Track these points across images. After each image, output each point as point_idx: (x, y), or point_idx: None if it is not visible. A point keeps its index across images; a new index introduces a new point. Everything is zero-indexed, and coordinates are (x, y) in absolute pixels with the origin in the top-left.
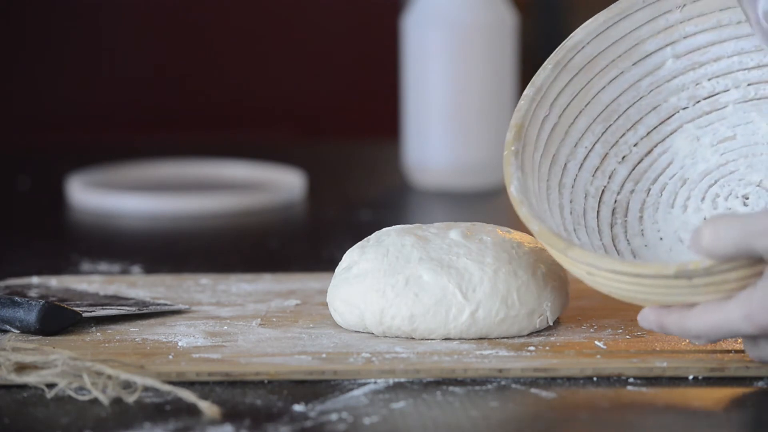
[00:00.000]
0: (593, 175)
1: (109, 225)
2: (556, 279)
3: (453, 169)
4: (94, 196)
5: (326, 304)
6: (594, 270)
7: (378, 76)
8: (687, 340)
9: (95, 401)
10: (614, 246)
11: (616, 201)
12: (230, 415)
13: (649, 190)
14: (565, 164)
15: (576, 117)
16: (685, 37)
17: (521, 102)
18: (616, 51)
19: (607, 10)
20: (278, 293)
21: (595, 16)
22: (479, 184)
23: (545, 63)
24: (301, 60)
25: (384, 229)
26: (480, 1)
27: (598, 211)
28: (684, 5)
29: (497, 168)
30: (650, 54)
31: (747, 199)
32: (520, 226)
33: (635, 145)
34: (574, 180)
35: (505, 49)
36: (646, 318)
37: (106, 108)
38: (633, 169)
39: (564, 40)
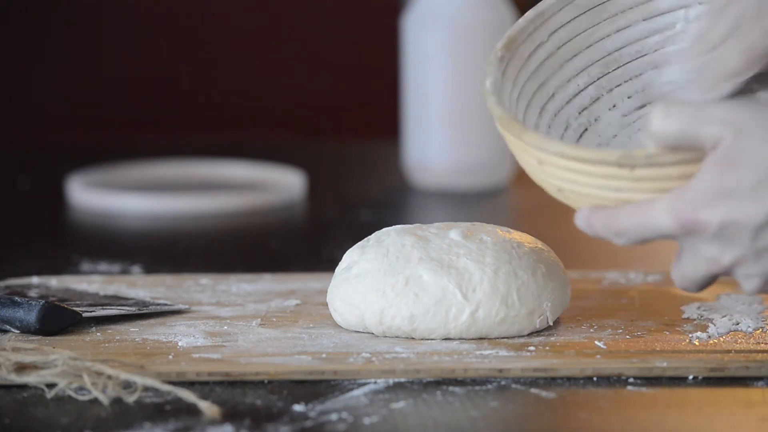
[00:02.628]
0: (579, 113)
1: (109, 225)
2: (556, 279)
3: (453, 169)
4: (94, 196)
5: (326, 304)
6: (544, 156)
7: (378, 76)
8: (688, 340)
9: (95, 401)
10: None
11: (598, 144)
12: (230, 415)
13: (631, 138)
14: (553, 94)
15: (575, 55)
16: (700, 3)
17: (520, 20)
18: (628, 2)
19: None
20: (278, 293)
21: None
22: (479, 184)
23: None
24: (301, 60)
25: (384, 229)
26: (480, 1)
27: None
28: None
29: (497, 168)
30: (662, 13)
31: None
32: (520, 226)
33: (629, 97)
34: (559, 110)
35: None
36: (579, 217)
37: (106, 108)
38: (621, 119)
39: None
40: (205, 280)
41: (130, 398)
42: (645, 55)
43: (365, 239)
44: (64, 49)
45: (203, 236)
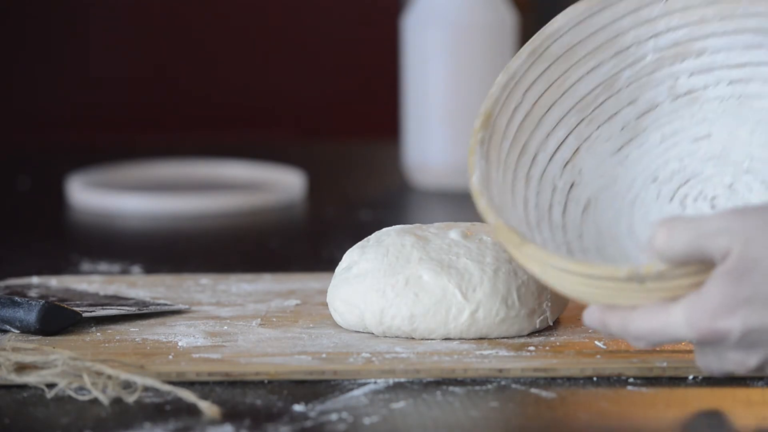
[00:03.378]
0: (563, 168)
1: (109, 225)
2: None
3: (453, 169)
4: (94, 196)
5: (326, 304)
6: (547, 269)
7: (378, 76)
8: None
9: (95, 401)
10: (581, 242)
11: (588, 199)
12: (230, 415)
13: (617, 180)
14: (535, 155)
15: (550, 107)
16: (667, 31)
17: (492, 89)
18: (596, 41)
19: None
20: (278, 293)
21: (576, 4)
22: None
23: (520, 50)
24: (301, 60)
25: (384, 229)
26: (480, 1)
27: (565, 206)
28: None
29: None
30: (631, 46)
31: (715, 199)
32: None
33: (608, 140)
34: (543, 172)
35: (505, 49)
36: (590, 315)
37: (106, 108)
38: (606, 161)
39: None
40: (205, 280)
41: (130, 398)
42: (619, 90)
43: (365, 239)
44: (64, 49)
45: (203, 236)
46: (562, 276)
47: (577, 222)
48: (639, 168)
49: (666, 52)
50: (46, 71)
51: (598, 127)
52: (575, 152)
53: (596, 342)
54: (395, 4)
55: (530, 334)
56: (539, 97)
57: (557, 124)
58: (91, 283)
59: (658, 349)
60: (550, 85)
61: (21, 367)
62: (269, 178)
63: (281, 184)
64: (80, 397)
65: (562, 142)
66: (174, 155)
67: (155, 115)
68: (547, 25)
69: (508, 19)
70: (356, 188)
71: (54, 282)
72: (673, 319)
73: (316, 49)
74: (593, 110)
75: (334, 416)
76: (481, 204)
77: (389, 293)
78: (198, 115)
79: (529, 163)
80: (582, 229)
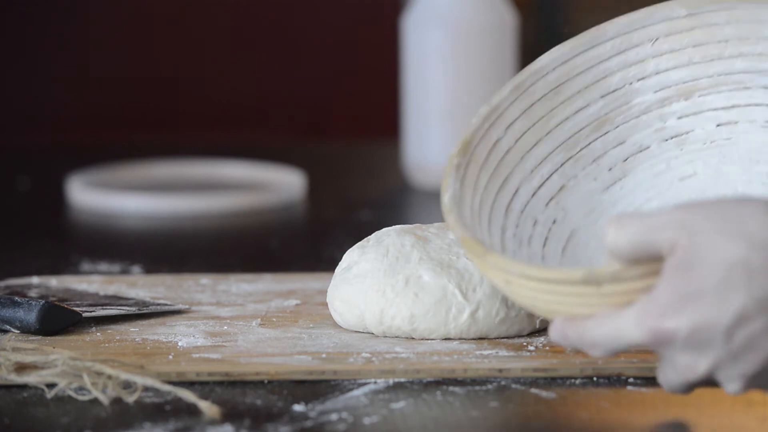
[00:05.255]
0: (546, 205)
1: (109, 225)
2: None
3: None
4: (94, 196)
5: (326, 304)
6: (510, 277)
7: (378, 76)
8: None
9: (95, 401)
10: None
11: (571, 232)
12: (230, 415)
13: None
14: (518, 189)
15: (535, 144)
16: (656, 73)
17: (474, 119)
18: (583, 81)
19: (575, 39)
20: (278, 293)
21: (563, 43)
22: None
23: (505, 85)
24: (301, 60)
25: (384, 229)
26: (480, 1)
27: (546, 240)
28: (656, 39)
29: None
30: (618, 88)
31: None
32: None
33: (595, 180)
34: (525, 206)
35: (505, 49)
36: (554, 330)
37: (105, 108)
38: (592, 200)
39: (557, 45)
40: (205, 280)
41: (130, 398)
42: (607, 132)
43: (365, 239)
44: (64, 49)
45: (203, 236)
46: (524, 284)
47: (557, 254)
48: (624, 202)
49: (655, 96)
50: (46, 71)
51: (585, 167)
52: (560, 190)
53: None
54: (395, 4)
55: (530, 334)
56: (523, 134)
57: (542, 161)
58: (91, 283)
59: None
60: (535, 123)
61: (21, 367)
62: (269, 178)
63: (281, 184)
64: (80, 397)
65: (546, 179)
66: (174, 155)
67: (155, 115)
68: (532, 63)
69: (508, 19)
70: (356, 188)
71: (54, 282)
72: (624, 323)
73: (316, 49)
74: (580, 150)
75: (334, 416)
76: (450, 219)
77: (389, 293)
78: (198, 115)
79: (511, 196)
80: (561, 260)
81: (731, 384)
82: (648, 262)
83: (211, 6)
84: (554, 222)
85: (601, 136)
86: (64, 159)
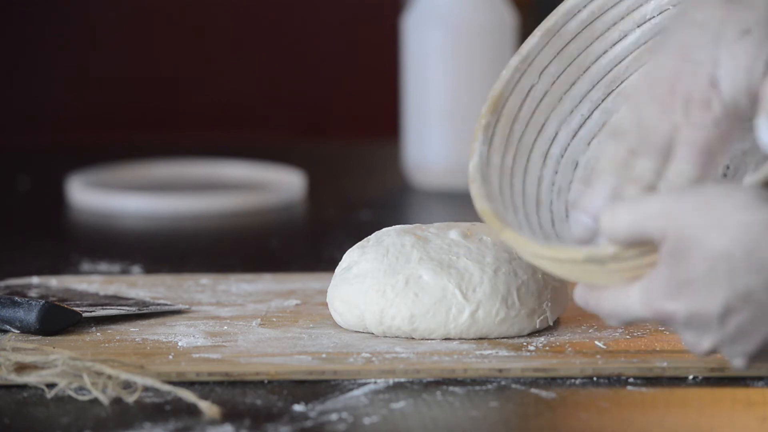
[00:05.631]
0: (588, 144)
1: (109, 225)
2: (557, 279)
3: (453, 169)
4: (94, 196)
5: (326, 304)
6: (523, 254)
7: (378, 76)
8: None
9: (95, 401)
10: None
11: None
12: (230, 415)
13: None
14: (556, 134)
15: (573, 84)
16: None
17: (503, 72)
18: (618, 13)
19: None
20: (278, 293)
21: None
22: None
23: (534, 32)
24: (301, 60)
25: (384, 229)
26: (480, 1)
27: None
28: None
29: None
30: (654, 16)
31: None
32: None
33: None
34: (565, 149)
35: (505, 49)
36: (577, 294)
37: (105, 108)
38: None
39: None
40: (205, 280)
41: (130, 398)
42: (647, 62)
43: (365, 239)
44: (64, 49)
45: (203, 236)
46: (538, 261)
47: None
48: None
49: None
50: (46, 71)
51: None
52: (602, 127)
53: (596, 342)
54: (395, 4)
55: (530, 334)
56: (559, 75)
57: (581, 101)
58: (91, 283)
59: (658, 348)
60: (571, 63)
61: (21, 367)
62: (269, 178)
63: (281, 184)
64: (80, 397)
65: (587, 118)
66: (174, 155)
67: (155, 115)
68: (560, 5)
69: (508, 19)
70: (356, 188)
71: (54, 282)
72: (631, 300)
73: (316, 49)
74: (621, 83)
75: (334, 416)
76: (472, 189)
77: (389, 293)
78: (198, 115)
79: (549, 142)
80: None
81: (736, 360)
82: (645, 244)
83: (211, 6)
84: (598, 161)
85: (642, 66)
86: (64, 159)
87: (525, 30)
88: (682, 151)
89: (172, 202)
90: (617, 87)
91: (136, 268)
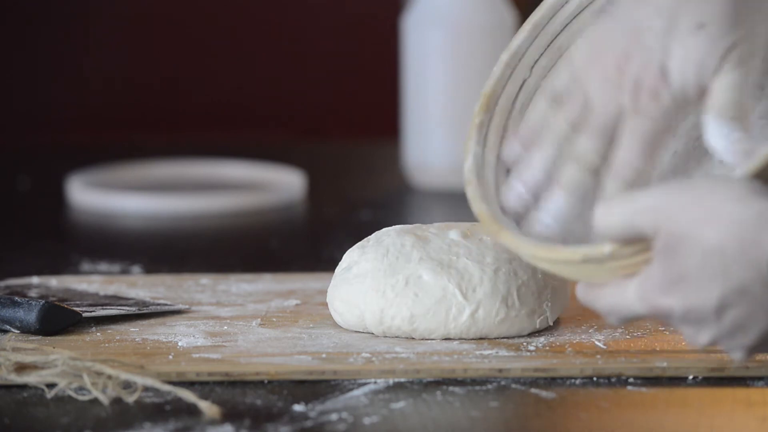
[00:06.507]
0: None
1: (109, 225)
2: (556, 279)
3: (453, 169)
4: (94, 196)
5: (326, 304)
6: (521, 255)
7: (378, 76)
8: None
9: (95, 401)
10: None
11: None
12: (230, 415)
13: None
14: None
15: None
16: None
17: (494, 68)
18: (606, 2)
19: None
20: (278, 293)
21: None
22: None
23: (520, 28)
24: (301, 60)
25: (384, 229)
26: (480, 1)
27: None
28: None
29: None
30: None
31: None
32: None
33: None
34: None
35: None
36: (579, 292)
37: (106, 108)
38: None
39: None
40: (205, 280)
41: (130, 398)
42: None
43: (365, 239)
44: (64, 49)
45: (203, 236)
46: (536, 262)
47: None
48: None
49: None
50: (47, 71)
51: None
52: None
53: (596, 342)
54: (395, 4)
55: (530, 334)
56: (550, 68)
57: None
58: (91, 283)
59: (658, 348)
60: (561, 55)
61: (21, 367)
62: (269, 178)
63: (281, 184)
64: (80, 397)
65: None
66: (174, 155)
67: (155, 115)
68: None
69: (508, 19)
70: (356, 188)
71: (54, 282)
72: (628, 296)
73: (316, 49)
74: None
75: (334, 416)
76: (469, 191)
77: (389, 293)
78: (198, 115)
79: None
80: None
81: (735, 353)
82: (640, 241)
83: (211, 6)
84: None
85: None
86: (64, 159)
87: None
88: (629, 141)
89: (172, 202)
90: None
91: (136, 268)
